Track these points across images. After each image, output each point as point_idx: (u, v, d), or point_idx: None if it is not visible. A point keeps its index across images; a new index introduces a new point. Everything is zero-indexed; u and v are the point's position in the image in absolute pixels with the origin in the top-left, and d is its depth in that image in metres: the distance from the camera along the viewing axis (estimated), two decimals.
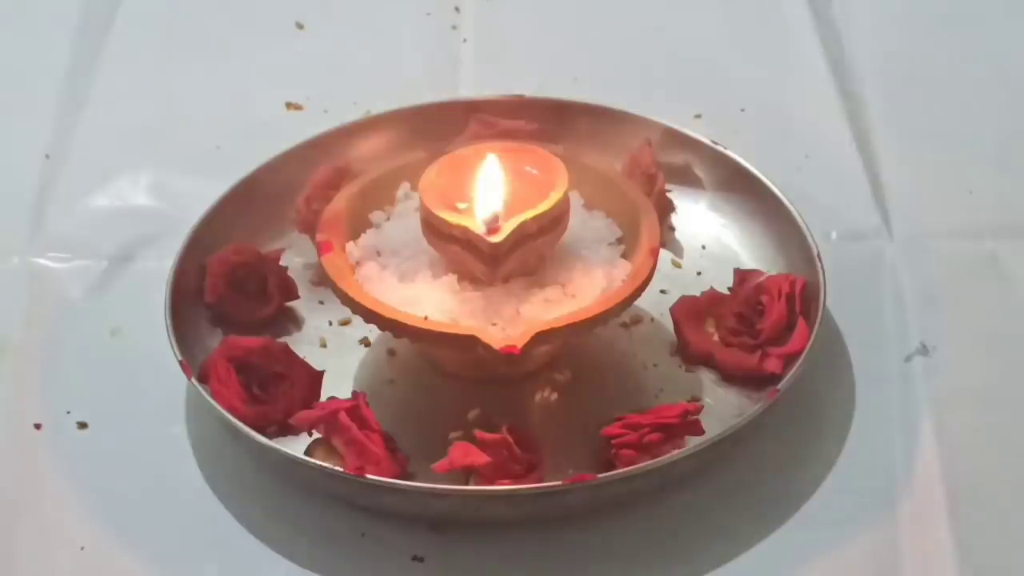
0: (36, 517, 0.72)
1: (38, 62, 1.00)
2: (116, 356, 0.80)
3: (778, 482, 0.72)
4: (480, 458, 0.68)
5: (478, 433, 0.70)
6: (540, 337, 0.71)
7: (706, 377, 0.76)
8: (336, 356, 0.78)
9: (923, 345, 0.78)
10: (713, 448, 0.69)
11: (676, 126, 0.86)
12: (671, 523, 0.71)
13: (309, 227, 0.81)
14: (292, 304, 0.81)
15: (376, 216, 0.79)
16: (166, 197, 0.90)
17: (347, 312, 0.76)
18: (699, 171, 0.86)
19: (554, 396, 0.76)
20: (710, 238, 0.84)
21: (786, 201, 0.81)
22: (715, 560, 0.69)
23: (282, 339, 0.77)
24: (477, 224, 0.73)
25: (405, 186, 0.80)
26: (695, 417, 0.71)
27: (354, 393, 0.74)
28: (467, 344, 0.71)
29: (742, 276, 0.79)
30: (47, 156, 0.92)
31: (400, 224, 0.78)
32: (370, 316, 0.73)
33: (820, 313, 0.74)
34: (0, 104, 0.97)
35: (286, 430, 0.72)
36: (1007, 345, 0.79)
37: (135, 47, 1.02)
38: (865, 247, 0.85)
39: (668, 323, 0.78)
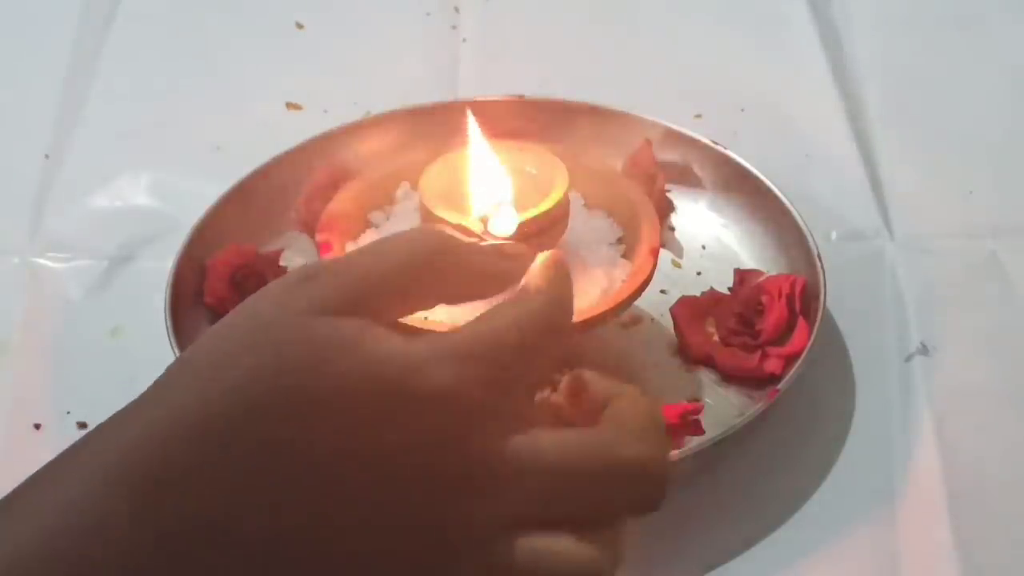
0: None
1: (38, 62, 1.00)
2: (116, 356, 0.80)
3: (778, 482, 0.72)
4: None
5: None
6: None
7: (706, 377, 0.76)
8: None
9: (923, 345, 0.78)
10: (713, 448, 0.69)
11: (676, 126, 0.86)
12: (671, 523, 0.71)
13: (309, 227, 0.80)
14: None
15: (376, 216, 0.79)
16: (166, 197, 0.89)
17: None
18: (699, 171, 0.86)
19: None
20: (710, 238, 0.84)
21: (786, 201, 0.81)
22: (715, 560, 0.69)
23: None
24: (477, 224, 0.73)
25: (405, 186, 0.80)
26: (695, 417, 0.71)
27: None
28: None
29: (742, 276, 0.79)
30: (47, 156, 0.92)
31: (400, 224, 0.78)
32: None
33: (820, 313, 0.74)
34: (0, 104, 0.98)
35: None
36: (1007, 345, 0.79)
37: (135, 47, 1.02)
38: (865, 247, 0.85)
39: (668, 323, 0.78)
